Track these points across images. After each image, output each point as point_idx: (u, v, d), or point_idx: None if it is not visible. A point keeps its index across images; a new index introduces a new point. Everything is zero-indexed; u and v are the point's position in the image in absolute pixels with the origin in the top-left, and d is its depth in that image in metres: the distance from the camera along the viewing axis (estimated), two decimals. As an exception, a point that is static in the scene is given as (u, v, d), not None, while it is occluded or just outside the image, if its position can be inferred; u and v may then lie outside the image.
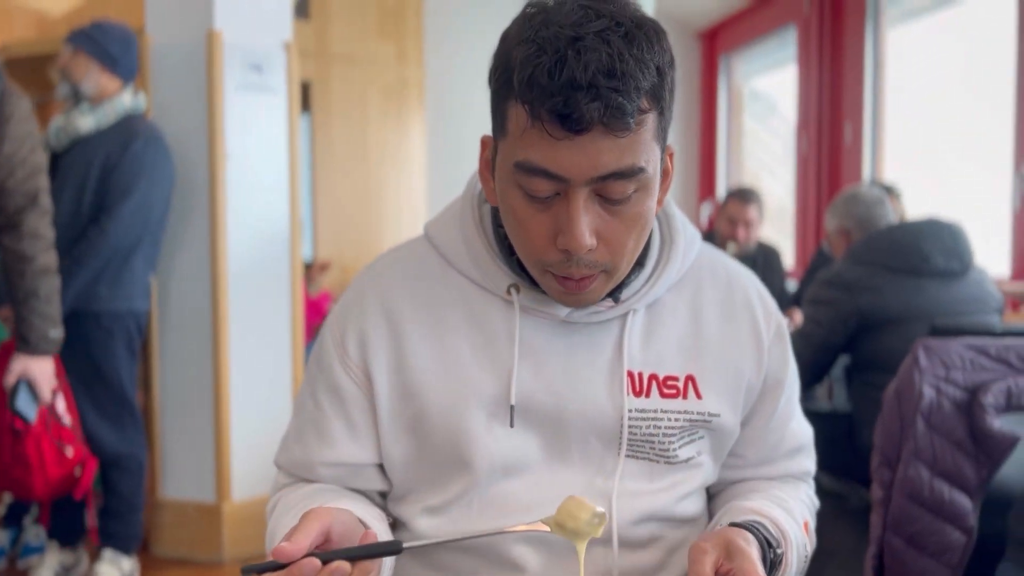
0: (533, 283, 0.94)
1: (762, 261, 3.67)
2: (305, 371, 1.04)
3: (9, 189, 2.13)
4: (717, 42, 5.88)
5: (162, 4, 2.96)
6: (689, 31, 5.94)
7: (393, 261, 1.04)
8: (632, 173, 0.82)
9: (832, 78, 4.66)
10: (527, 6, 0.86)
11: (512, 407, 0.93)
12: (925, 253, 2.34)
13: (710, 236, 3.66)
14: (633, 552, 0.97)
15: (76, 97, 2.63)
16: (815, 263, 3.53)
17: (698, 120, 6.07)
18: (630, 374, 0.96)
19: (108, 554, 2.67)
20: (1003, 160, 3.52)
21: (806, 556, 1.03)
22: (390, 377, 0.96)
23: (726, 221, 3.62)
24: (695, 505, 1.03)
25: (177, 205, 2.83)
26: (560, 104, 0.78)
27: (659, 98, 0.83)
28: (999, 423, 1.52)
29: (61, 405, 2.48)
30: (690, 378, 0.98)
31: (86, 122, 2.61)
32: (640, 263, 0.97)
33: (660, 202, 0.92)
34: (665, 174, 0.91)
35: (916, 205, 3.63)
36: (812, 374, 2.51)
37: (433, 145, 4.82)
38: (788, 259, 4.87)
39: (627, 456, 0.96)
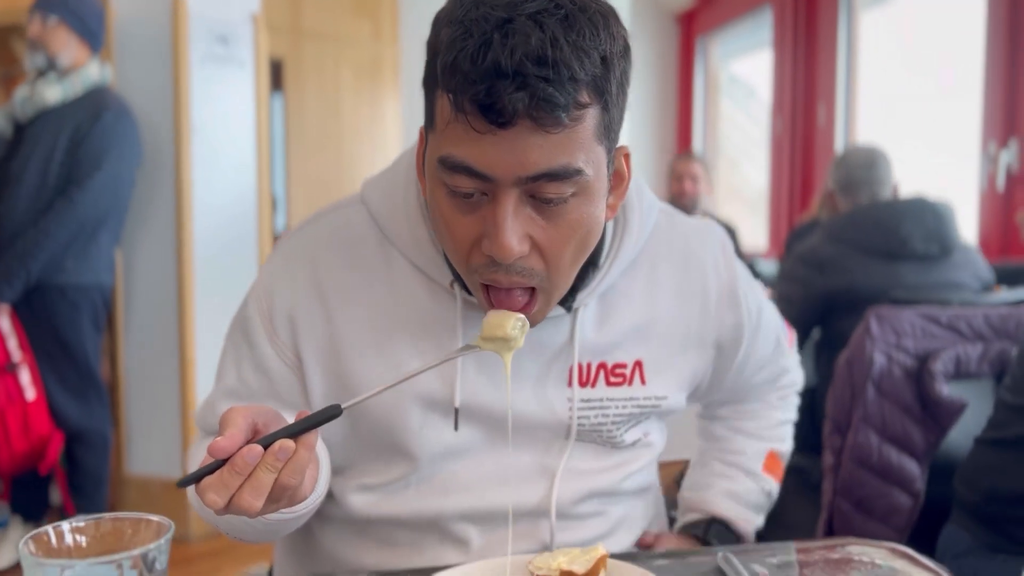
0: None
1: None
2: (228, 334, 0.97)
3: None
4: (694, 24, 5.87)
5: (127, -26, 2.92)
6: (667, 13, 5.93)
7: (327, 230, 0.95)
8: (566, 174, 0.74)
9: (806, 59, 4.67)
10: None
11: (456, 410, 0.89)
12: (903, 237, 2.27)
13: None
14: (573, 526, 0.96)
15: (51, 68, 2.58)
16: (797, 232, 3.54)
17: (675, 104, 6.07)
18: (578, 365, 0.92)
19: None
20: (971, 141, 3.55)
21: (768, 491, 1.12)
22: (323, 362, 0.91)
23: (674, 180, 3.98)
24: (644, 479, 1.03)
25: (142, 179, 2.80)
26: (482, 93, 0.70)
27: (603, 91, 0.74)
28: (948, 390, 1.54)
29: (26, 378, 2.47)
30: (638, 363, 0.95)
31: (53, 92, 2.56)
32: (594, 262, 0.91)
33: (614, 208, 0.85)
34: (618, 177, 0.84)
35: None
36: None
37: (408, 123, 4.79)
38: (761, 241, 4.89)
39: (575, 441, 0.94)
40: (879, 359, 1.55)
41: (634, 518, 1.03)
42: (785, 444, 1.17)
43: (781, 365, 1.14)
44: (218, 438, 0.66)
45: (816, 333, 2.55)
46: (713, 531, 1.08)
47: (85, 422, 2.65)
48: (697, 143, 5.86)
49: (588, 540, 0.97)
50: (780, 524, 1.31)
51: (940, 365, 1.55)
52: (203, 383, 2.91)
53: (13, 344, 2.49)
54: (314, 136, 4.77)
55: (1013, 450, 1.27)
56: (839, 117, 4.48)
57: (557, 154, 0.73)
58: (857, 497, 1.53)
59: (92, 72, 2.61)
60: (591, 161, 0.76)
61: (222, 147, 2.95)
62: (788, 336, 1.15)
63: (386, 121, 4.90)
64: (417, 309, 0.90)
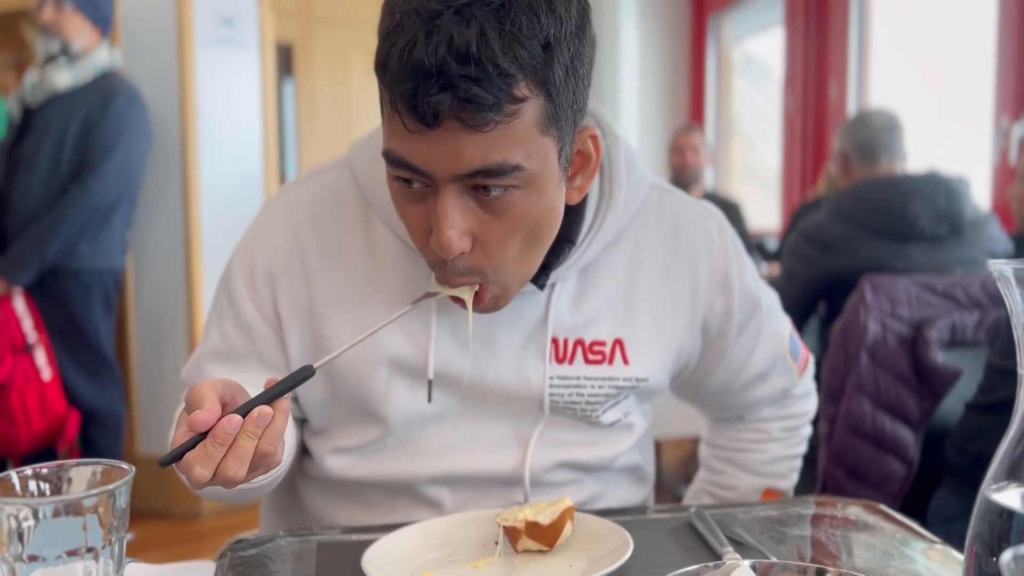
0: None
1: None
2: (214, 295, 0.98)
3: None
4: (706, 2, 5.83)
5: (133, -41, 2.94)
6: (678, -10, 5.88)
7: (311, 192, 0.95)
8: (503, 171, 0.72)
9: (818, 35, 4.63)
10: None
11: (430, 382, 0.90)
12: (911, 218, 2.18)
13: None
14: (548, 493, 0.96)
15: (64, 54, 2.59)
16: (802, 208, 3.51)
17: (686, 83, 6.03)
18: (554, 340, 0.91)
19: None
20: (984, 116, 3.50)
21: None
22: (300, 321, 0.91)
23: (674, 152, 3.99)
24: (628, 459, 1.01)
25: (150, 161, 2.83)
26: (408, 93, 0.68)
27: (544, 80, 0.71)
28: (942, 357, 1.53)
29: (41, 359, 2.51)
30: (618, 342, 0.93)
31: (63, 78, 2.58)
32: (570, 239, 0.89)
33: (582, 190, 0.83)
34: (584, 158, 0.82)
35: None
36: None
37: (417, 107, 4.79)
38: (773, 220, 4.86)
39: (550, 415, 0.94)
40: (873, 327, 1.55)
41: (615, 493, 1.02)
42: (787, 481, 1.11)
43: (785, 385, 1.07)
44: (197, 411, 0.66)
45: (822, 308, 2.54)
46: None
47: (99, 402, 2.69)
48: (709, 122, 5.82)
49: None
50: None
51: (935, 333, 1.54)
52: (213, 363, 2.94)
53: (28, 326, 2.53)
54: (325, 120, 4.79)
55: (1000, 413, 1.26)
56: (851, 93, 4.44)
57: (491, 151, 0.71)
58: (850, 464, 1.53)
59: (102, 57, 2.63)
60: (533, 154, 0.73)
61: (228, 129, 2.98)
62: (802, 359, 1.09)
63: (396, 104, 4.91)
64: (396, 273, 0.90)
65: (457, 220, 0.74)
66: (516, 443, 0.94)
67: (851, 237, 2.28)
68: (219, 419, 0.67)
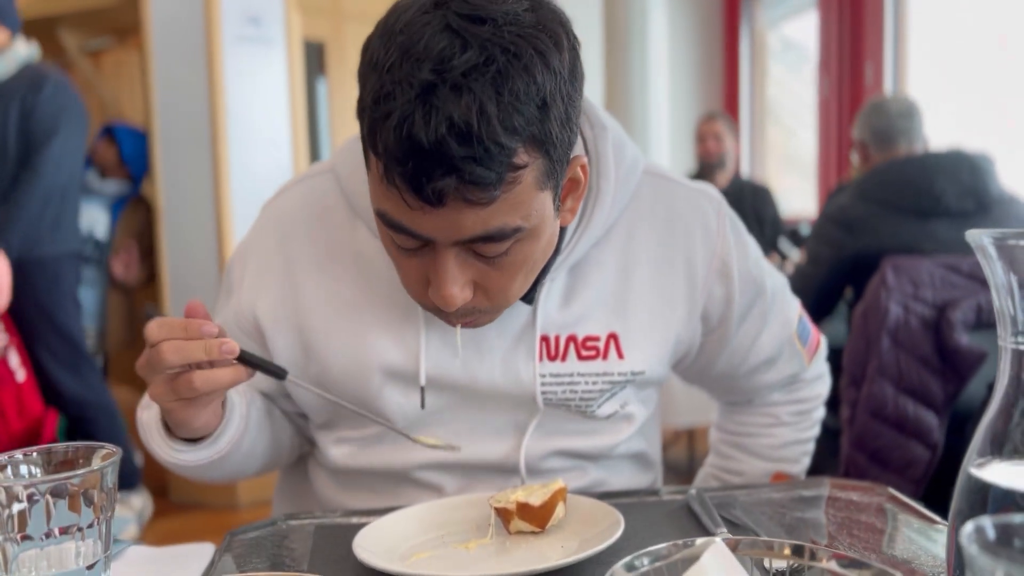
0: None
1: (751, 198, 3.72)
2: (219, 293, 1.01)
3: None
4: (738, -14, 5.75)
5: (162, -39, 3.00)
6: (710, -23, 5.81)
7: (297, 201, 0.95)
8: (503, 235, 0.72)
9: (852, 16, 4.54)
10: (390, 12, 0.72)
11: (423, 388, 0.90)
12: (937, 193, 2.15)
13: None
14: (545, 480, 0.95)
15: None
16: (834, 193, 3.47)
17: (720, 69, 5.96)
18: (545, 338, 0.90)
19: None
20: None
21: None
22: (287, 332, 0.92)
23: (698, 141, 3.95)
24: (630, 447, 1.01)
25: (180, 159, 2.89)
26: (409, 173, 0.67)
27: (543, 140, 0.70)
28: (967, 339, 1.50)
29: (14, 361, 2.47)
30: (613, 336, 0.92)
31: None
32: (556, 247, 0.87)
33: (573, 211, 0.83)
34: (574, 184, 0.81)
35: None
36: (814, 313, 2.44)
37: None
38: (810, 205, 4.79)
39: (545, 409, 0.93)
40: (895, 310, 1.52)
41: (618, 479, 1.01)
42: (797, 465, 1.09)
43: (794, 370, 1.05)
44: (199, 304, 0.77)
45: (849, 293, 2.50)
46: None
47: (83, 394, 2.66)
48: (744, 108, 5.75)
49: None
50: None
51: (960, 314, 1.51)
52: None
53: None
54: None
55: None
56: (888, 76, 4.34)
57: (492, 219, 0.70)
58: (872, 449, 1.51)
59: (20, 51, 2.61)
60: (532, 213, 0.73)
61: (258, 128, 3.02)
62: (812, 343, 1.07)
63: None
64: (382, 280, 0.90)
65: (458, 275, 0.74)
66: (513, 433, 0.94)
67: (875, 216, 2.24)
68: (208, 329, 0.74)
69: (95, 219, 3.47)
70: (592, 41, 4.01)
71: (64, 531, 0.62)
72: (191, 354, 0.72)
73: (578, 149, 0.89)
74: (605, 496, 0.90)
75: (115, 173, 3.39)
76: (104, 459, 0.64)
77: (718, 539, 0.57)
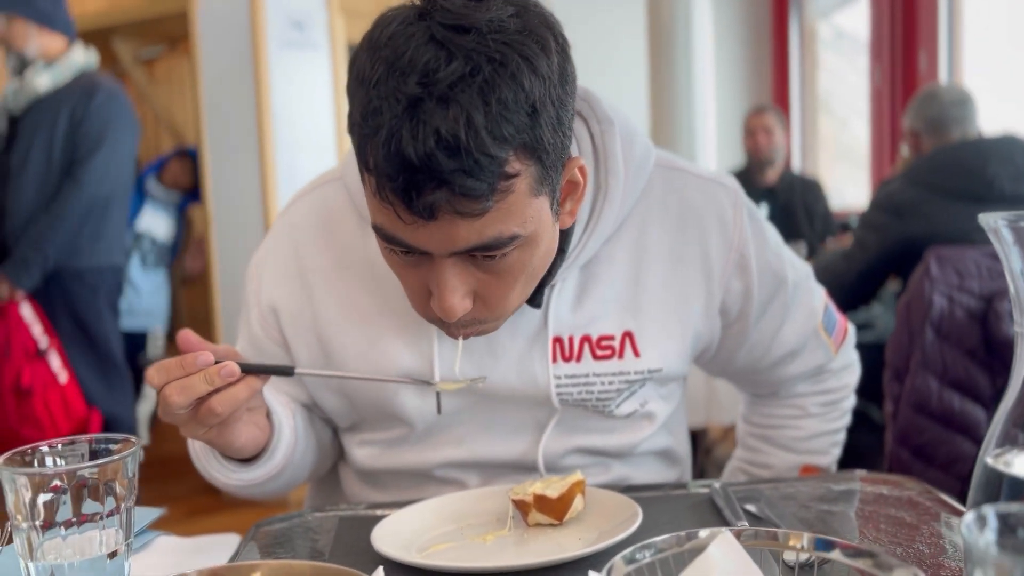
0: None
1: (801, 192, 3.65)
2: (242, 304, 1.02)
3: None
4: (787, -24, 5.65)
5: (208, -31, 3.07)
6: (758, -34, 5.72)
7: (307, 211, 0.96)
8: (501, 244, 0.72)
9: (905, 3, 4.42)
10: (374, 25, 0.71)
11: (438, 394, 0.91)
12: (989, 178, 2.10)
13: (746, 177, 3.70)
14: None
15: (24, 64, 2.59)
16: (884, 184, 3.40)
17: (769, 60, 5.87)
18: (559, 340, 0.90)
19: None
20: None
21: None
22: (308, 342, 0.93)
23: (747, 135, 3.85)
24: (654, 444, 1.00)
25: (228, 164, 2.95)
26: (399, 189, 0.66)
27: (535, 147, 0.69)
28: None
29: (56, 363, 2.51)
30: (628, 335, 0.91)
31: (43, 81, 2.58)
32: (561, 249, 0.86)
33: (573, 213, 0.82)
34: (572, 186, 0.79)
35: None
36: (852, 298, 2.38)
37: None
38: (862, 196, 4.69)
39: (563, 409, 0.93)
40: (939, 301, 1.48)
41: (644, 475, 1.01)
42: (827, 457, 1.08)
43: (820, 361, 1.04)
44: (191, 333, 0.75)
45: (897, 284, 2.44)
46: None
47: (111, 407, 2.66)
48: (794, 100, 5.64)
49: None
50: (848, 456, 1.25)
51: (1009, 305, 1.46)
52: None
53: (38, 331, 2.51)
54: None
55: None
56: (942, 63, 4.22)
57: (487, 228, 0.70)
58: (916, 444, 1.47)
59: (78, 58, 2.62)
60: (528, 220, 0.72)
61: (304, 131, 3.07)
62: (839, 332, 1.05)
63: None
64: (394, 287, 0.90)
65: (458, 285, 0.74)
66: (532, 430, 0.94)
67: (925, 201, 2.18)
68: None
69: (155, 222, 3.60)
70: (636, 35, 3.98)
71: (87, 520, 0.64)
72: (195, 389, 0.72)
73: (584, 146, 0.88)
74: (630, 489, 0.90)
75: (183, 188, 3.59)
76: (125, 449, 0.66)
77: (725, 530, 0.56)
